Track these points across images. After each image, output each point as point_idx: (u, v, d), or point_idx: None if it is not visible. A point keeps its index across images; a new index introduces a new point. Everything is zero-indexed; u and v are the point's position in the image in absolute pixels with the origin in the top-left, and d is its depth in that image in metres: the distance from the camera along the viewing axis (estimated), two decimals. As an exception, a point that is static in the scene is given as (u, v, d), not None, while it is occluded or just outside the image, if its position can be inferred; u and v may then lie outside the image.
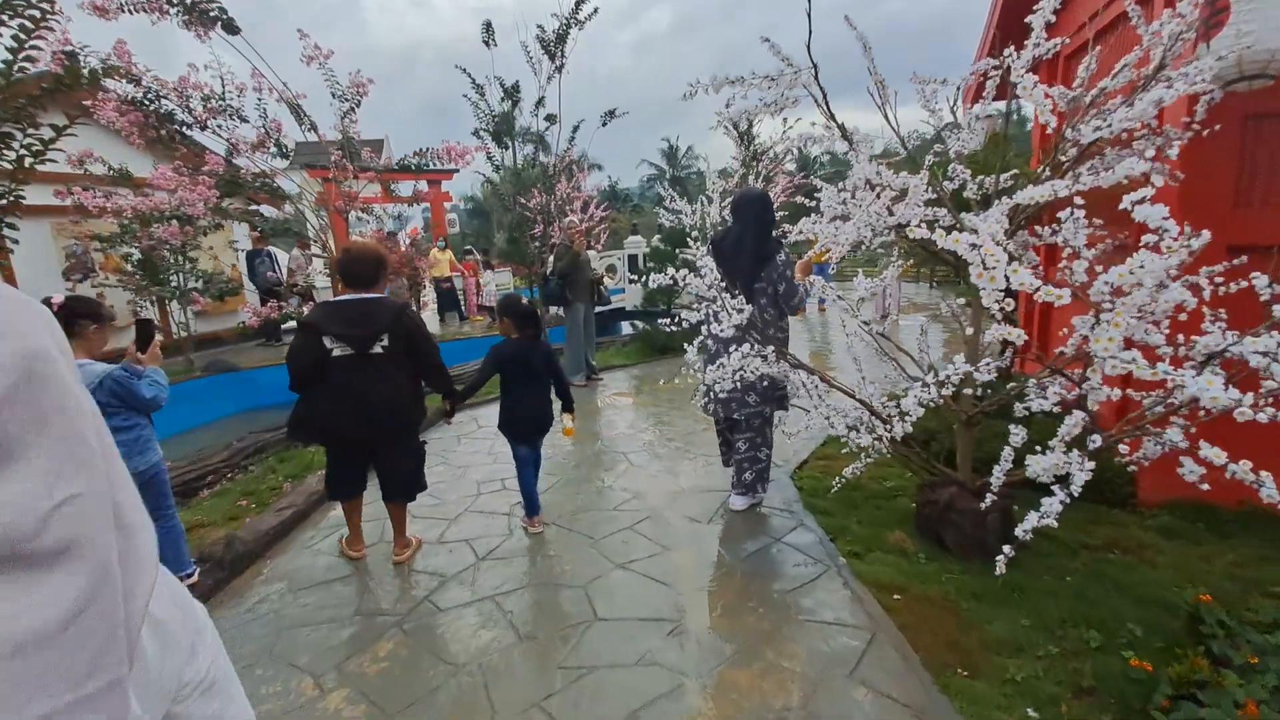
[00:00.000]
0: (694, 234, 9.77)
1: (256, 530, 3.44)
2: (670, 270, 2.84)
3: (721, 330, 2.89)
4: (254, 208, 6.57)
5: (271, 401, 7.98)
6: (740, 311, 2.84)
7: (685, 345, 3.34)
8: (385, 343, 2.93)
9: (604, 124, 7.04)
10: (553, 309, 9.01)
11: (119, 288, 7.94)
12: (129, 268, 7.64)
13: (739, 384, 3.08)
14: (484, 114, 6.90)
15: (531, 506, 3.51)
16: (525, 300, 3.52)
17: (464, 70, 6.75)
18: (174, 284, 7.82)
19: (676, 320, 3.11)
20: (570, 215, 7.01)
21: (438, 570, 3.14)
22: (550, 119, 7.02)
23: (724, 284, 2.97)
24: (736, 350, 2.91)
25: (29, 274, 8.13)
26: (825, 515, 3.47)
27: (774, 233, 3.44)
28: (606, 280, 7.14)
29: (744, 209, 3.39)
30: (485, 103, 6.89)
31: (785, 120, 11.27)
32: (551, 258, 7.09)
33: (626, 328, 11.08)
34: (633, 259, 12.05)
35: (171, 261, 7.59)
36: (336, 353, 2.89)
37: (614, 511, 3.70)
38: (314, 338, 2.88)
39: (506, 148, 7.06)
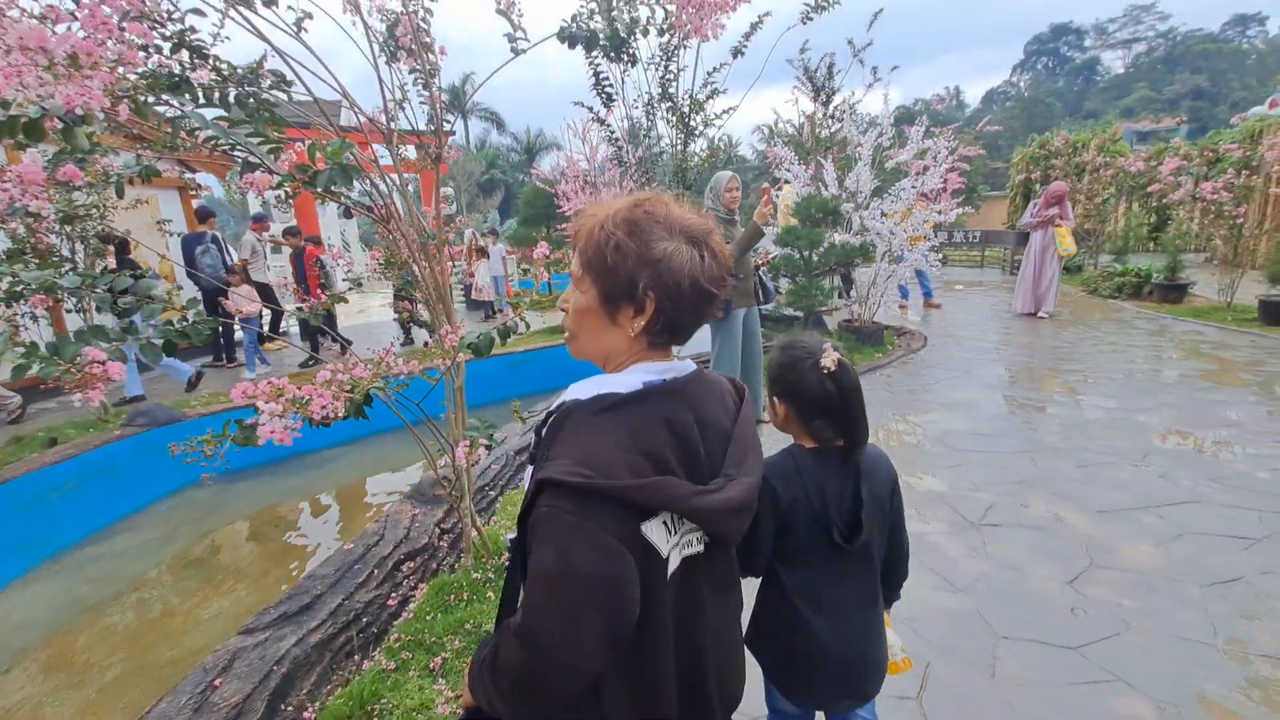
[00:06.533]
0: (850, 205, 6.94)
1: None
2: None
3: None
4: (188, 174, 3.66)
5: (243, 463, 5.15)
6: None
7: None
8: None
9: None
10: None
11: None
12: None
13: None
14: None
15: None
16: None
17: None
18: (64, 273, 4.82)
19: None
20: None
21: None
22: None
23: None
24: None
25: None
26: None
27: None
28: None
29: None
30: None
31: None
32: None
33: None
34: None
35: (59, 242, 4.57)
36: (677, 560, 0.76)
37: None
38: (617, 536, 0.67)
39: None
